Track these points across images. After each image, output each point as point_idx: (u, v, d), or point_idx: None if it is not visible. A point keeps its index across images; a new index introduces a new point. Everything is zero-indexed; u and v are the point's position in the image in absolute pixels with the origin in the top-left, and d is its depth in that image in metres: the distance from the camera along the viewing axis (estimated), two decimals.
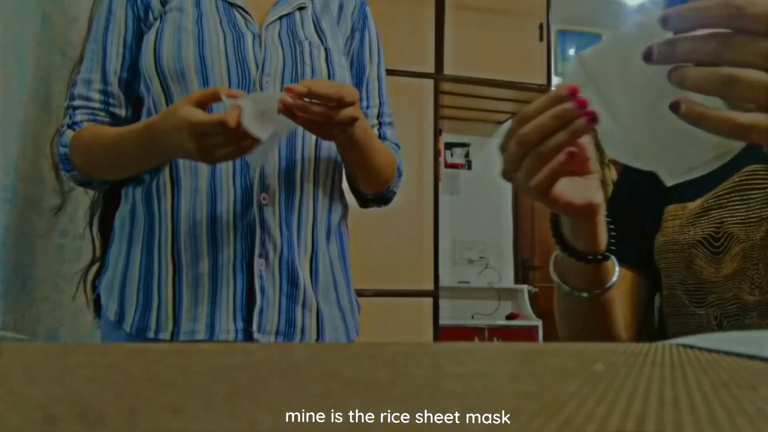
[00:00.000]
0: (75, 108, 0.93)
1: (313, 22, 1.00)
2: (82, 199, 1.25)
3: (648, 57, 0.46)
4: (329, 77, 0.96)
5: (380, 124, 1.06)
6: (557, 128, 0.52)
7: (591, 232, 0.61)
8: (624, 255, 0.76)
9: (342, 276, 1.00)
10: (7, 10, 0.93)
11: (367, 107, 1.05)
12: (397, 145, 1.07)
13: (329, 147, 0.97)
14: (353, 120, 0.84)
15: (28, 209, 1.02)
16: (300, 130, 0.93)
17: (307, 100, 0.80)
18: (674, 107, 0.46)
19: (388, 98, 1.09)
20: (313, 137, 0.94)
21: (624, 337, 0.70)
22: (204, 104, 0.79)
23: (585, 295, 0.64)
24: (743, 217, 0.65)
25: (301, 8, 0.99)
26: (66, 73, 1.17)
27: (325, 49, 0.97)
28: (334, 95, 0.81)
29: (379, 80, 1.08)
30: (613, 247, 0.63)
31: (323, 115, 0.81)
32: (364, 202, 1.07)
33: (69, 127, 0.92)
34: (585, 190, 0.57)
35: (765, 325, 0.63)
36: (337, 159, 1.00)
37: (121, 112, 0.96)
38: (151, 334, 0.88)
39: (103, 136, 0.90)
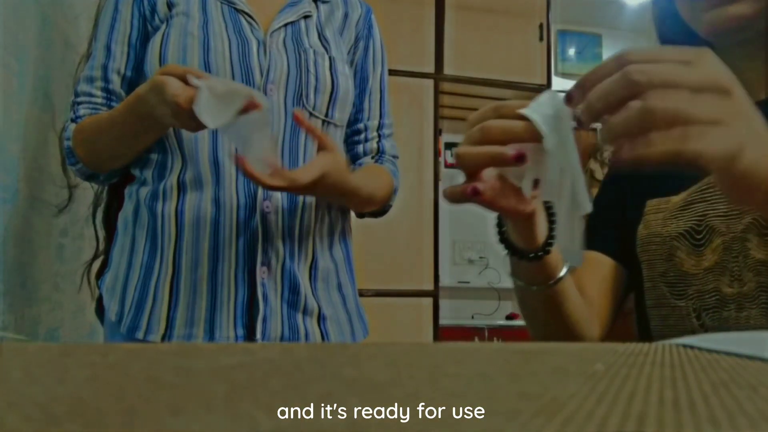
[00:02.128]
0: (78, 103, 0.94)
1: (318, 30, 0.99)
2: (83, 200, 1.25)
3: (580, 124, 0.48)
4: (332, 86, 0.95)
5: (379, 136, 1.06)
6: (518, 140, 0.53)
7: (526, 232, 0.62)
8: (606, 246, 0.79)
9: (347, 278, 1.00)
10: (7, 10, 0.93)
11: (368, 119, 1.05)
12: (394, 156, 1.08)
13: None
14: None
15: (28, 209, 1.02)
16: (302, 139, 0.93)
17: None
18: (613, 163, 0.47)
19: (389, 108, 1.09)
20: (315, 143, 0.94)
21: (586, 324, 0.72)
22: (178, 77, 0.78)
23: (534, 288, 0.67)
24: (725, 210, 0.66)
25: (306, 16, 0.99)
26: (66, 73, 1.17)
27: (330, 58, 0.97)
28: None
29: (381, 91, 1.08)
30: (550, 246, 0.64)
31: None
32: (360, 214, 1.08)
33: (72, 121, 0.94)
34: (518, 197, 0.57)
35: (742, 318, 0.64)
36: None
37: None
38: (141, 335, 0.88)
39: (100, 120, 0.91)
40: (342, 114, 0.99)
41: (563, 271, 0.66)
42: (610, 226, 0.79)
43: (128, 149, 0.92)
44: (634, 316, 0.80)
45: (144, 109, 0.82)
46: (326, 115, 0.96)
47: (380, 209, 1.05)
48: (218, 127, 0.76)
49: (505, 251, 0.65)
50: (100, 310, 0.98)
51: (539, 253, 0.63)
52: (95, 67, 0.95)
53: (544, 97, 0.53)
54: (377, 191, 0.99)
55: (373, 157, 1.05)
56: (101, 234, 1.05)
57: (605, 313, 0.76)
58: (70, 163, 0.95)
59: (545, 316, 0.69)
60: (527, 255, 0.63)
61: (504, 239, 0.65)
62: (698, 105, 0.44)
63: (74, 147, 0.92)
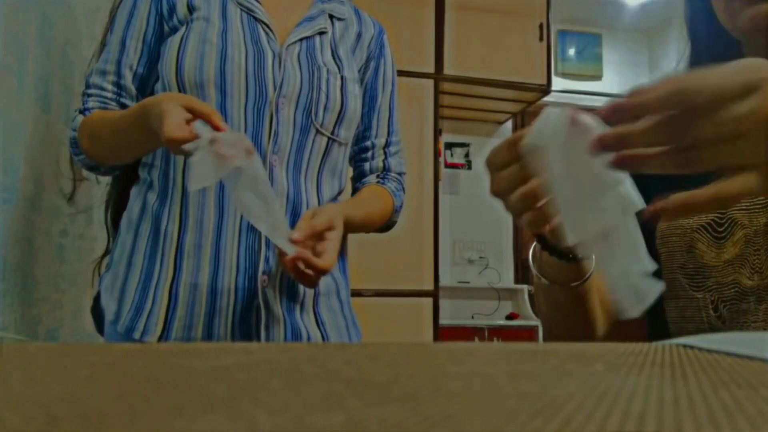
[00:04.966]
0: (89, 95, 0.95)
1: (332, 48, 1.00)
2: (83, 200, 1.25)
3: (598, 148, 0.46)
4: (342, 106, 0.97)
5: (385, 154, 1.08)
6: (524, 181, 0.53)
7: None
8: None
9: (344, 283, 1.01)
10: (7, 10, 0.93)
11: (375, 137, 1.07)
12: (400, 174, 1.09)
13: (333, 167, 0.99)
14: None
15: (28, 209, 1.02)
16: (306, 155, 0.94)
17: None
18: (651, 216, 0.47)
19: (398, 126, 1.11)
20: (318, 160, 0.96)
21: (600, 322, 0.72)
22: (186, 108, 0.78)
23: (563, 287, 0.66)
24: (748, 204, 0.66)
25: (321, 33, 1.00)
26: (66, 73, 1.17)
27: (342, 77, 0.98)
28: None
29: (390, 109, 1.10)
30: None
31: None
32: None
33: (80, 112, 0.95)
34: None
35: (761, 310, 0.64)
36: (340, 180, 1.02)
37: (132, 104, 0.96)
38: (137, 335, 0.88)
39: (106, 119, 0.91)
40: (348, 133, 1.00)
41: (591, 269, 0.66)
42: None
43: (128, 152, 0.92)
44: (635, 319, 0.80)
45: (146, 123, 0.82)
46: (332, 133, 0.97)
47: (383, 227, 1.08)
48: (198, 189, 0.80)
49: (543, 251, 0.65)
50: (95, 310, 0.98)
51: (578, 256, 0.63)
52: (109, 61, 0.96)
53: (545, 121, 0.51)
54: (373, 216, 1.02)
55: (378, 176, 1.07)
56: (110, 232, 1.05)
57: (611, 310, 0.77)
58: (74, 153, 0.96)
59: (568, 312, 0.69)
60: (567, 256, 0.63)
61: (541, 238, 0.65)
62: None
63: (79, 138, 0.93)
